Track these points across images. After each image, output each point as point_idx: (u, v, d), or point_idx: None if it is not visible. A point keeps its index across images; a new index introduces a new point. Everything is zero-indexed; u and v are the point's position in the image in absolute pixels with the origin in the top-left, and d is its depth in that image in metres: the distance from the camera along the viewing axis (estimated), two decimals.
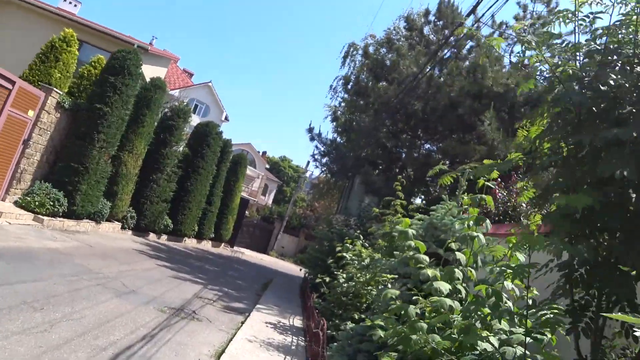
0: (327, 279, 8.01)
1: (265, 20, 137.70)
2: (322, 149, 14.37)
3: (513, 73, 10.87)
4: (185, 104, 17.44)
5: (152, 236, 16.78)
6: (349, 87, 15.78)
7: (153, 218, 16.11)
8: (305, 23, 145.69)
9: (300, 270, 13.71)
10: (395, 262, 5.23)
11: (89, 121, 11.57)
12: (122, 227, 14.98)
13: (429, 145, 13.03)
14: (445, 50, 12.51)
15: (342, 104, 16.59)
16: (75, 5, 22.13)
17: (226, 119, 43.94)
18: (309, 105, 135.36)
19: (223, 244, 24.19)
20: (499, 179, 5.83)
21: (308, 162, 35.02)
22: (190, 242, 19.89)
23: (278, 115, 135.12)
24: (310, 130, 14.24)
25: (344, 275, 7.42)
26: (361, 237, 8.84)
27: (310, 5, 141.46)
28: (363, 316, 5.76)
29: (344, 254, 7.97)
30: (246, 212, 39.28)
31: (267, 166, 55.60)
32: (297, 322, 8.62)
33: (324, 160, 17.14)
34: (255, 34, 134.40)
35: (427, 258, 3.78)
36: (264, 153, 59.01)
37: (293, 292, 13.42)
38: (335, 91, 17.53)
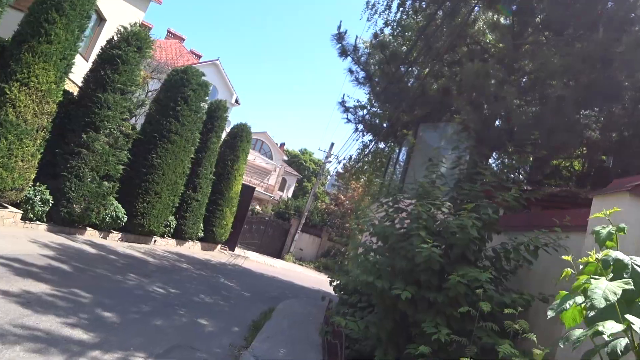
0: None
1: (282, 6, 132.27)
2: (361, 72, 8.14)
3: None
4: (148, 34, 11.26)
5: (89, 234, 10.66)
6: None
7: (86, 204, 9.98)
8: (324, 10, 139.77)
9: (331, 284, 7.54)
10: None
11: None
12: (26, 218, 8.92)
13: None
14: None
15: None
16: None
17: (237, 102, 37.99)
18: (329, 99, 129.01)
19: (219, 247, 17.99)
20: None
21: (332, 145, 28.55)
22: (162, 244, 13.72)
23: (297, 107, 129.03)
24: (340, 37, 7.92)
25: None
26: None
27: None
28: None
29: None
30: (257, 207, 33.12)
31: (285, 158, 49.47)
32: None
33: (362, 105, 10.88)
34: (271, 21, 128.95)
35: None
36: (282, 145, 52.95)
37: (310, 337, 7.04)
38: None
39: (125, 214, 11.45)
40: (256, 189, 40.40)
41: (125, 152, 10.88)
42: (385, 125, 9.97)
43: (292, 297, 11.76)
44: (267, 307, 8.64)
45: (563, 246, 3.68)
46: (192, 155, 13.47)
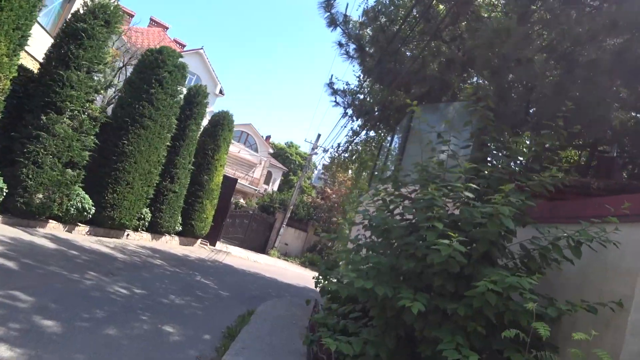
0: None
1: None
2: (351, 45, 7.23)
3: None
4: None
5: (51, 227, 9.67)
6: None
7: (47, 194, 9.00)
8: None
9: (316, 286, 6.47)
10: None
11: None
12: None
13: None
14: None
15: None
16: None
17: (221, 92, 36.96)
18: (314, 91, 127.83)
19: (199, 241, 17.03)
20: None
21: (318, 136, 27.64)
22: (135, 239, 12.75)
23: (283, 100, 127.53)
24: (328, 4, 6.99)
25: None
26: None
27: None
28: None
29: None
30: (241, 200, 32.14)
31: (271, 151, 48.44)
32: None
33: (352, 90, 9.93)
34: (257, 6, 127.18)
35: None
36: (268, 137, 51.84)
37: (293, 346, 6.20)
38: None
39: (93, 206, 10.47)
40: (241, 182, 39.37)
41: (92, 137, 9.88)
42: (377, 110, 9.13)
43: (275, 296, 10.91)
44: (246, 309, 7.78)
45: (613, 241, 2.88)
46: (168, 143, 12.48)
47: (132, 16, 34.46)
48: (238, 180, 38.55)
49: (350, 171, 18.55)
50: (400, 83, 7.52)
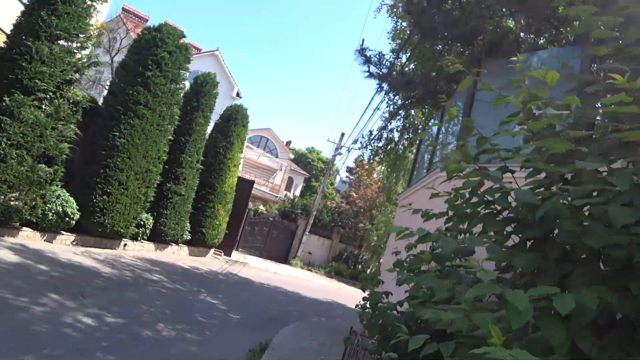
0: None
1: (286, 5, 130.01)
2: None
3: None
4: None
5: (24, 236, 7.92)
6: None
7: (14, 193, 7.26)
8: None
9: (362, 322, 4.45)
10: None
11: None
12: None
13: None
14: None
15: None
16: None
17: (238, 95, 35.41)
18: (335, 91, 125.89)
19: (212, 251, 15.19)
20: None
21: (342, 135, 25.56)
22: (134, 249, 10.96)
23: (303, 103, 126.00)
24: None
25: None
26: None
27: None
28: None
29: None
30: (261, 207, 30.29)
31: (292, 156, 46.70)
32: None
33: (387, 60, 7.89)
34: (276, 10, 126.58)
35: None
36: (289, 143, 50.10)
37: None
38: None
39: (78, 210, 8.72)
40: (261, 188, 37.62)
41: (73, 125, 8.14)
42: (421, 81, 7.11)
43: (298, 316, 8.94)
44: (258, 340, 5.83)
45: None
46: (170, 137, 10.70)
47: (146, 20, 33.46)
48: (258, 187, 36.93)
49: (382, 166, 16.37)
50: (460, 34, 5.51)
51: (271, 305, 9.49)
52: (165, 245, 12.22)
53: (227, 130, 14.18)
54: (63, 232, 8.84)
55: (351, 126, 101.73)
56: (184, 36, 10.94)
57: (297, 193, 42.26)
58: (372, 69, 7.34)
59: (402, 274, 3.71)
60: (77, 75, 8.23)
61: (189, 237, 13.10)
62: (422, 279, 2.33)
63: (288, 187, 42.33)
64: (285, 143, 47.35)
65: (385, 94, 8.46)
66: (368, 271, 23.69)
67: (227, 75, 35.17)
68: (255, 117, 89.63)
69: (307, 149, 54.59)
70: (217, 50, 35.05)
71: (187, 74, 10.92)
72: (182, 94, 11.01)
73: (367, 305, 3.34)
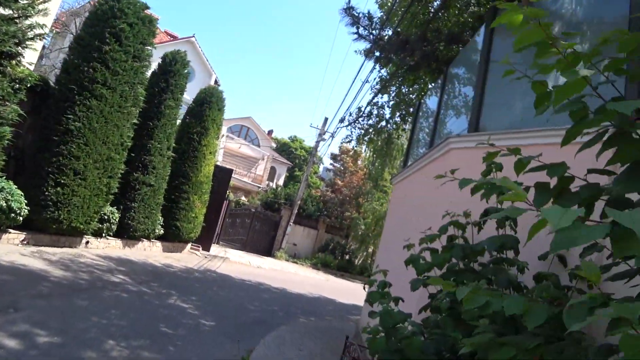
0: None
1: None
2: None
3: None
4: None
5: None
6: None
7: None
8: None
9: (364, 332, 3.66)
10: None
11: None
12: None
13: None
14: None
15: None
16: None
17: (216, 82, 34.05)
18: (315, 84, 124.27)
19: (189, 246, 14.09)
20: None
21: (325, 120, 24.50)
22: (98, 247, 9.84)
23: (284, 91, 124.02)
24: None
25: None
26: None
27: None
28: None
29: None
30: (243, 198, 29.13)
31: (274, 146, 45.48)
32: None
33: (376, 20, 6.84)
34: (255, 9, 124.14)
35: None
36: (270, 132, 48.87)
37: None
38: None
39: (26, 205, 7.58)
40: (243, 179, 36.41)
41: (15, 106, 6.98)
42: (418, 38, 6.13)
43: (284, 317, 7.98)
44: (235, 353, 4.85)
45: None
46: (134, 121, 9.55)
47: None
48: (240, 178, 35.71)
49: (368, 151, 15.36)
50: None
51: (253, 306, 8.50)
52: (135, 241, 11.10)
53: (202, 114, 13.04)
54: (10, 230, 7.69)
55: (334, 111, 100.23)
56: (148, 7, 9.77)
57: (281, 183, 41.15)
58: (361, 30, 6.35)
59: (418, 272, 2.77)
60: (18, 49, 7.05)
61: (162, 231, 11.99)
62: (478, 293, 1.38)
63: (271, 177, 41.20)
64: (267, 132, 46.09)
65: (375, 62, 7.47)
66: (356, 262, 22.83)
67: (204, 62, 33.80)
68: (236, 107, 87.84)
69: (289, 138, 53.39)
70: (193, 36, 33.62)
71: (153, 49, 9.76)
72: (148, 73, 9.86)
73: (379, 329, 2.36)
